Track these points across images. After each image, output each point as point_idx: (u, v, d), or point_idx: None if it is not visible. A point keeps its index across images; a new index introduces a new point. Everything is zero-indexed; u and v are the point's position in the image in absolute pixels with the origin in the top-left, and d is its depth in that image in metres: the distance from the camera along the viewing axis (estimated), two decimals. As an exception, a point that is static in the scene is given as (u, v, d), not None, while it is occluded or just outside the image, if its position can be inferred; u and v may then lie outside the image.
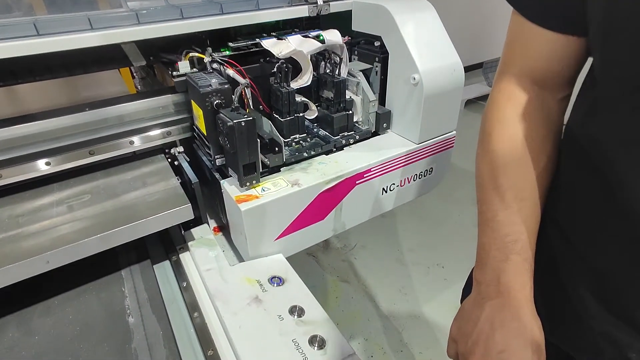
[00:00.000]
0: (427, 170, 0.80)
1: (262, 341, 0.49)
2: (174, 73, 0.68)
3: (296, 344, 0.48)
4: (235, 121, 0.55)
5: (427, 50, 0.70)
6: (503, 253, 0.43)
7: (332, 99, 0.73)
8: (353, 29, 0.81)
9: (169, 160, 0.75)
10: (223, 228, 0.76)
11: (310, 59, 0.71)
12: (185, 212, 0.60)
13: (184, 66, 0.68)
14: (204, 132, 0.65)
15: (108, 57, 0.72)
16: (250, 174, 0.61)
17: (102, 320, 0.52)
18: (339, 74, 0.73)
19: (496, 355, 0.38)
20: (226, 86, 0.61)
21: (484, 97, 3.19)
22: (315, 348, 0.48)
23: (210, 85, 0.61)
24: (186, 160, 0.73)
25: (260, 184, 0.63)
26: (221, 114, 0.59)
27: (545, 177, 0.46)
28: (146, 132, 0.70)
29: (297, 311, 0.53)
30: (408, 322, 1.52)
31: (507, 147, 0.46)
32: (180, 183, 0.68)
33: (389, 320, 1.52)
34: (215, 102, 0.60)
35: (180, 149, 0.76)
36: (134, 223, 0.56)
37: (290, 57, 0.68)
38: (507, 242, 0.43)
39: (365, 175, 0.70)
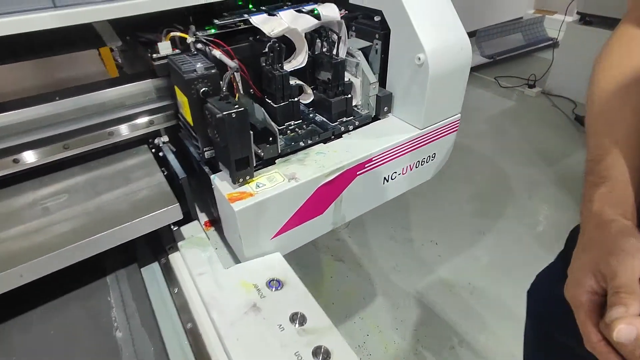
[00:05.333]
0: (429, 156, 0.76)
1: (263, 355, 0.45)
2: (154, 55, 0.61)
3: (299, 358, 0.45)
4: (225, 113, 0.49)
5: (432, 26, 0.64)
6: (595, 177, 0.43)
7: (329, 81, 0.67)
8: (350, 1, 0.73)
9: (153, 151, 0.69)
10: (215, 222, 0.72)
11: (305, 37, 0.64)
12: (174, 212, 0.55)
13: (164, 47, 0.61)
14: (190, 122, 0.59)
15: (78, 37, 0.64)
16: (242, 169, 0.56)
17: (87, 336, 0.49)
18: (337, 54, 0.67)
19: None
20: (213, 71, 0.55)
21: (478, 68, 3.10)
22: (320, 360, 0.45)
23: (195, 70, 0.54)
24: (172, 151, 0.68)
25: (254, 179, 0.58)
26: (209, 104, 0.53)
27: None
28: (125, 123, 0.63)
29: (298, 319, 0.50)
30: (402, 299, 1.52)
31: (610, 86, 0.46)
32: (165, 176, 0.63)
33: (384, 299, 1.53)
34: (201, 90, 0.54)
35: (165, 138, 0.69)
36: (118, 227, 0.51)
37: (283, 35, 0.62)
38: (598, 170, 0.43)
39: (366, 165, 0.65)
